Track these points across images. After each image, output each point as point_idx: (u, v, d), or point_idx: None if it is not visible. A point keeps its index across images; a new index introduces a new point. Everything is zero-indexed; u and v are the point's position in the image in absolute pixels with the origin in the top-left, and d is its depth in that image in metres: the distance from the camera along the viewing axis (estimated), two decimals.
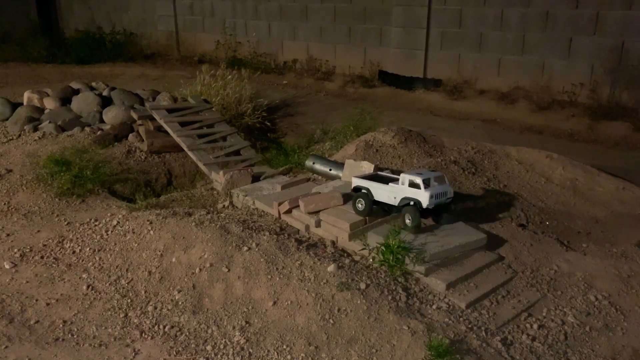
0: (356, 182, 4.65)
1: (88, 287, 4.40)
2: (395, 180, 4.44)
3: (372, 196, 4.48)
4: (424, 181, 4.16)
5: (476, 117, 9.11)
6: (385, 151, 5.97)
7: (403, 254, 4.00)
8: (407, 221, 4.26)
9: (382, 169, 5.28)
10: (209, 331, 3.83)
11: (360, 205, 4.50)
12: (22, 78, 12.18)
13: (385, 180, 4.53)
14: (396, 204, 4.36)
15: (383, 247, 4.07)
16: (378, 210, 4.56)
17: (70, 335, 3.90)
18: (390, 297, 3.78)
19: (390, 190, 4.38)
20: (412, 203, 4.22)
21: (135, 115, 7.31)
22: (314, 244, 4.47)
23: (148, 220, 4.88)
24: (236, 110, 8.41)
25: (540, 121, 8.78)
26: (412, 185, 4.23)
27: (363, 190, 4.55)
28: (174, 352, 3.67)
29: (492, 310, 3.81)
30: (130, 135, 7.47)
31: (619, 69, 8.55)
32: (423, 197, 4.16)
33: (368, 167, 5.17)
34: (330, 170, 5.63)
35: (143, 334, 3.87)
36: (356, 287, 3.82)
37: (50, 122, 7.70)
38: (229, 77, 8.83)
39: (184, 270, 4.31)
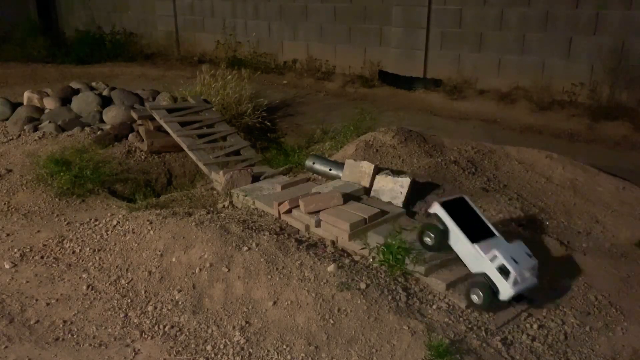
0: (437, 210, 3.90)
1: (88, 287, 4.40)
2: (486, 233, 3.79)
3: (448, 238, 3.84)
4: (517, 275, 3.55)
5: (476, 117, 9.11)
6: (385, 151, 5.97)
7: (403, 254, 4.00)
8: (473, 296, 3.68)
9: (382, 169, 5.28)
10: (209, 331, 3.83)
11: (428, 239, 3.92)
12: (22, 78, 12.17)
13: (472, 225, 3.79)
14: (470, 269, 3.79)
15: (383, 247, 4.07)
16: (447, 250, 3.91)
17: (70, 335, 3.90)
18: (390, 297, 3.78)
19: (472, 252, 3.72)
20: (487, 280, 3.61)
21: (135, 115, 7.31)
22: (314, 244, 4.47)
23: (148, 220, 4.88)
24: (236, 110, 8.41)
25: (540, 121, 8.78)
26: (501, 269, 3.59)
27: (440, 225, 3.88)
28: (174, 352, 3.67)
29: (492, 310, 3.81)
30: (130, 135, 7.47)
31: (619, 69, 8.55)
32: (505, 290, 3.58)
33: (368, 167, 5.17)
34: (330, 170, 5.63)
35: (143, 334, 3.87)
36: (356, 287, 3.82)
37: (50, 122, 7.69)
38: (229, 77, 8.83)
39: (184, 270, 4.31)
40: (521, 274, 3.59)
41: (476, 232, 3.78)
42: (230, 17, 13.58)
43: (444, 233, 3.84)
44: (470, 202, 4.03)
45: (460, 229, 3.76)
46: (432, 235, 3.91)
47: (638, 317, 3.87)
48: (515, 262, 3.59)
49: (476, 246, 3.69)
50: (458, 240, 3.78)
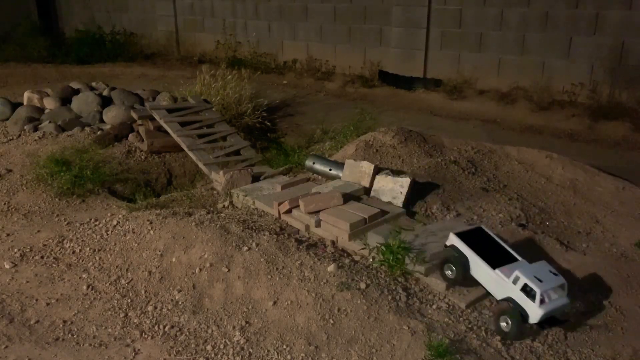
0: (454, 240, 3.83)
1: (88, 287, 4.40)
2: (507, 258, 3.66)
3: (469, 268, 3.75)
4: (542, 293, 3.40)
5: (476, 117, 9.11)
6: (385, 151, 5.97)
7: (403, 254, 4.00)
8: (503, 325, 3.52)
9: (382, 169, 5.28)
10: (209, 331, 3.83)
11: (450, 272, 3.81)
12: (22, 78, 12.17)
13: (492, 253, 3.68)
14: (496, 296, 3.67)
15: (383, 247, 4.07)
16: (471, 282, 3.78)
17: (70, 335, 3.90)
18: (390, 297, 3.78)
19: (494, 278, 3.61)
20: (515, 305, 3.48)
21: (135, 115, 7.31)
22: (314, 244, 4.47)
23: (148, 220, 4.88)
24: (236, 110, 8.41)
25: (540, 121, 8.78)
26: (525, 290, 3.46)
27: (459, 256, 3.77)
28: (174, 352, 3.67)
29: (492, 310, 3.81)
30: (130, 135, 7.47)
31: (619, 69, 8.55)
32: (533, 312, 3.42)
33: (368, 167, 5.17)
34: (330, 170, 5.63)
35: (143, 334, 3.87)
36: (356, 287, 3.82)
37: (50, 122, 7.70)
38: (229, 77, 8.83)
39: (184, 270, 4.31)
40: (548, 293, 3.44)
41: (497, 259, 3.67)
42: (230, 17, 13.59)
43: (464, 264, 3.73)
44: (488, 231, 3.93)
45: (479, 257, 3.67)
46: (453, 267, 3.78)
47: (638, 317, 3.87)
48: (540, 281, 3.44)
49: (497, 271, 3.58)
50: (479, 268, 3.67)
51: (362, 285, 3.85)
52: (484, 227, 3.97)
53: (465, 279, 3.78)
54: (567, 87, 8.96)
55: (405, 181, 4.90)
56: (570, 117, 8.68)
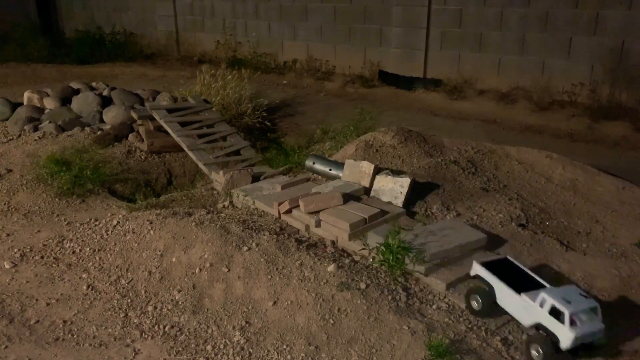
0: (478, 270, 3.73)
1: (88, 287, 4.40)
2: (534, 286, 3.52)
3: (495, 297, 3.62)
4: (572, 315, 3.20)
5: (476, 117, 9.11)
6: (385, 151, 5.97)
7: (403, 254, 3.99)
8: (534, 354, 3.32)
9: (382, 169, 5.28)
10: (209, 331, 3.83)
11: (475, 303, 3.66)
12: (22, 78, 12.18)
13: (519, 281, 3.55)
14: (524, 324, 3.51)
15: (383, 247, 4.07)
16: (500, 312, 3.64)
17: (70, 335, 3.90)
18: (390, 297, 3.78)
19: (521, 303, 3.47)
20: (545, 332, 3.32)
21: (135, 115, 7.31)
22: (314, 244, 4.47)
23: (148, 220, 4.88)
24: (236, 110, 8.42)
25: (540, 121, 8.77)
26: (554, 313, 3.27)
27: (484, 285, 3.65)
28: (174, 352, 3.67)
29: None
30: (130, 135, 7.47)
31: (619, 69, 8.55)
32: (564, 336, 3.21)
33: (368, 167, 5.17)
34: (330, 170, 5.63)
35: (143, 334, 3.87)
36: (356, 287, 3.82)
37: (50, 122, 7.69)
38: (229, 77, 8.83)
39: (184, 270, 4.31)
40: (578, 315, 3.23)
41: (523, 285, 3.54)
42: (230, 17, 13.58)
43: (490, 293, 3.60)
44: (515, 262, 3.80)
45: (504, 284, 3.55)
46: (479, 298, 3.64)
47: (638, 317, 3.87)
48: (568, 302, 3.26)
49: (523, 295, 3.44)
50: (505, 295, 3.54)
51: (362, 285, 3.85)
52: (509, 257, 3.87)
53: (493, 309, 3.63)
54: (567, 87, 8.95)
55: (405, 181, 4.90)
56: (570, 117, 8.68)
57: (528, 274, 3.67)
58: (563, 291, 3.43)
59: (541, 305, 3.33)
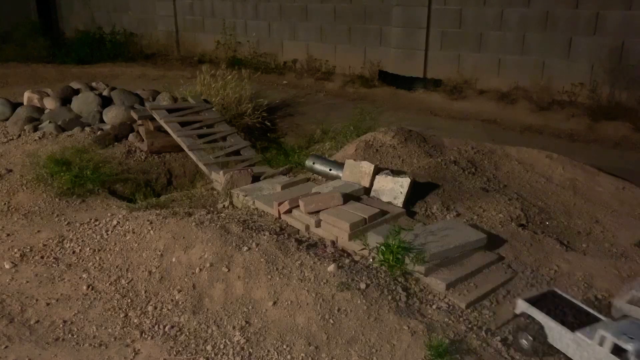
0: (524, 308, 3.44)
1: (88, 287, 4.40)
2: (588, 320, 3.26)
3: (546, 336, 3.33)
4: (637, 351, 2.92)
5: (476, 117, 9.11)
6: (385, 151, 5.97)
7: (403, 254, 4.00)
8: None
9: (382, 169, 5.28)
10: (209, 331, 3.83)
11: (525, 342, 3.38)
12: (22, 78, 12.17)
13: (570, 315, 3.31)
14: None
15: (383, 247, 4.07)
16: (554, 351, 3.35)
17: (70, 335, 3.90)
18: (390, 297, 3.78)
19: (576, 342, 3.16)
20: None
21: (135, 115, 7.31)
22: (314, 244, 4.47)
23: (148, 220, 4.88)
24: (236, 110, 8.42)
25: (540, 121, 8.78)
26: (615, 350, 2.98)
27: (533, 324, 3.38)
28: (174, 352, 3.67)
29: (492, 310, 3.81)
30: (130, 135, 7.47)
31: (619, 69, 8.55)
32: None
33: (368, 167, 5.17)
34: (330, 170, 5.63)
35: (143, 334, 3.87)
36: (356, 287, 3.82)
37: (50, 122, 7.69)
38: (229, 77, 8.83)
39: (184, 270, 4.31)
40: None
41: (576, 321, 3.32)
42: (230, 17, 13.58)
43: (539, 332, 3.34)
44: (562, 293, 3.58)
45: (554, 321, 3.30)
46: (529, 337, 3.36)
47: None
48: (631, 338, 2.99)
49: (578, 334, 3.17)
50: (557, 334, 3.26)
51: (362, 285, 3.85)
52: (556, 289, 3.65)
53: (545, 349, 3.35)
54: (567, 87, 8.95)
55: (405, 181, 4.90)
56: (570, 117, 8.68)
57: (579, 306, 3.44)
58: (622, 326, 3.14)
59: (600, 343, 3.06)
